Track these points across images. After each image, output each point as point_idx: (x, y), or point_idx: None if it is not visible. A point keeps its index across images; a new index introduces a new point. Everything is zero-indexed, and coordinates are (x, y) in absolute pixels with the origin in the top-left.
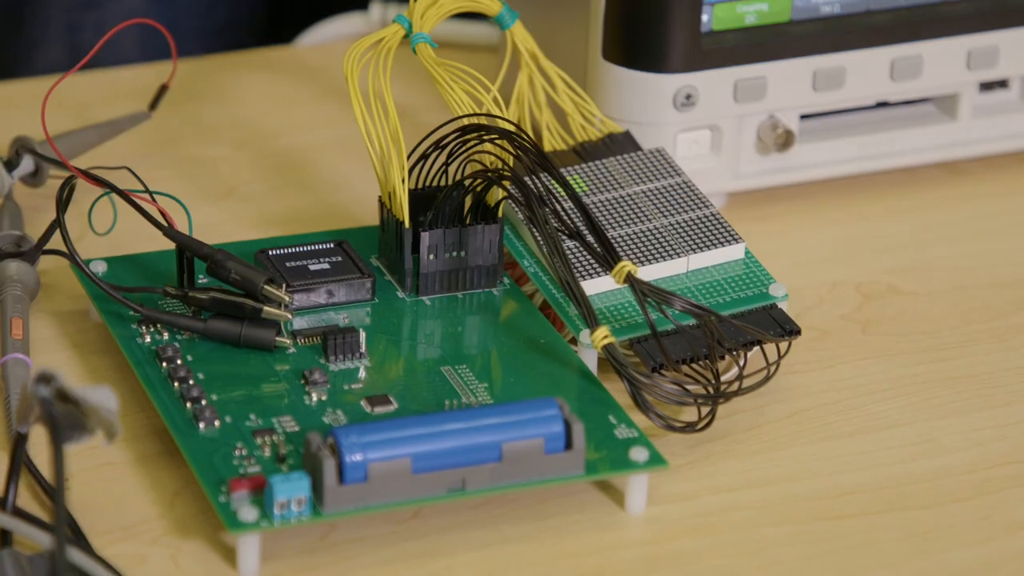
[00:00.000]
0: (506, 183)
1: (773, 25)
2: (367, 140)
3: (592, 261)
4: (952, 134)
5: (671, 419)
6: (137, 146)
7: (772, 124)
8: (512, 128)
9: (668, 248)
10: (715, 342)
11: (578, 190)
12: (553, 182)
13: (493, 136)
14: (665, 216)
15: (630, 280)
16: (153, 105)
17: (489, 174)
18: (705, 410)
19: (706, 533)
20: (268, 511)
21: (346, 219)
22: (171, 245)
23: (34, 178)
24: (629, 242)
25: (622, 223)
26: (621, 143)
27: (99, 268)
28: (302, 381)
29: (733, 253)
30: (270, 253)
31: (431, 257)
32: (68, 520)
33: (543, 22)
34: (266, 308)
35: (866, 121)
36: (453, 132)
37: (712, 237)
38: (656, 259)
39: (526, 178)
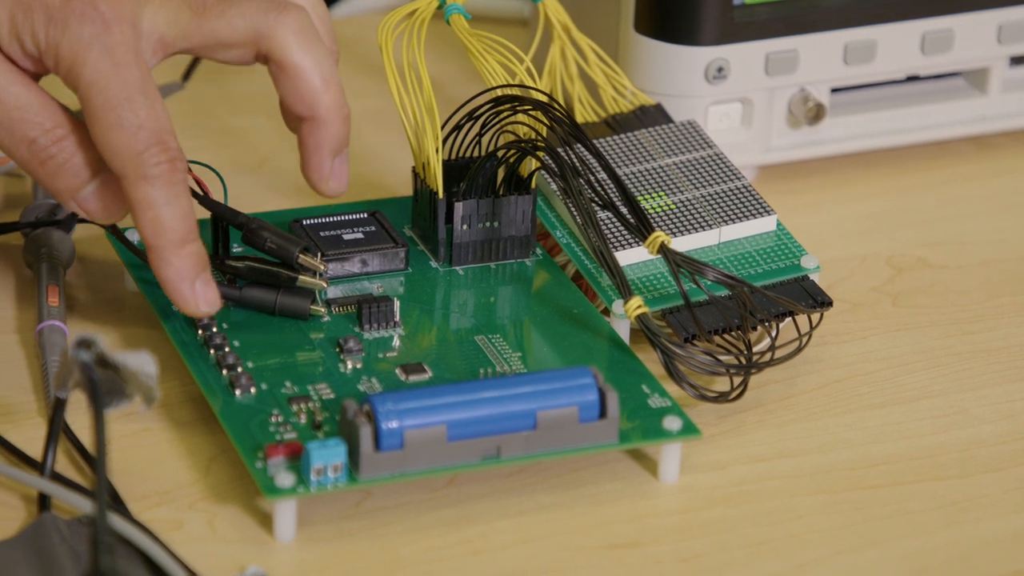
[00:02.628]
0: (540, 154)
1: None
2: (401, 111)
3: (625, 232)
4: (982, 108)
5: (704, 389)
6: (171, 116)
7: (803, 97)
8: (545, 99)
9: (700, 220)
10: (747, 313)
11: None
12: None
13: (527, 107)
14: (697, 188)
15: (663, 250)
16: (187, 76)
17: (522, 145)
18: (737, 380)
19: (739, 502)
20: (304, 477)
21: (379, 189)
22: (206, 214)
23: None
24: (660, 214)
25: (654, 195)
26: (653, 115)
27: (135, 236)
28: (337, 349)
29: (765, 225)
30: (304, 223)
31: (464, 227)
32: (107, 485)
33: None
34: (301, 277)
35: (897, 95)
36: (487, 103)
37: (744, 209)
38: (688, 231)
39: (560, 149)
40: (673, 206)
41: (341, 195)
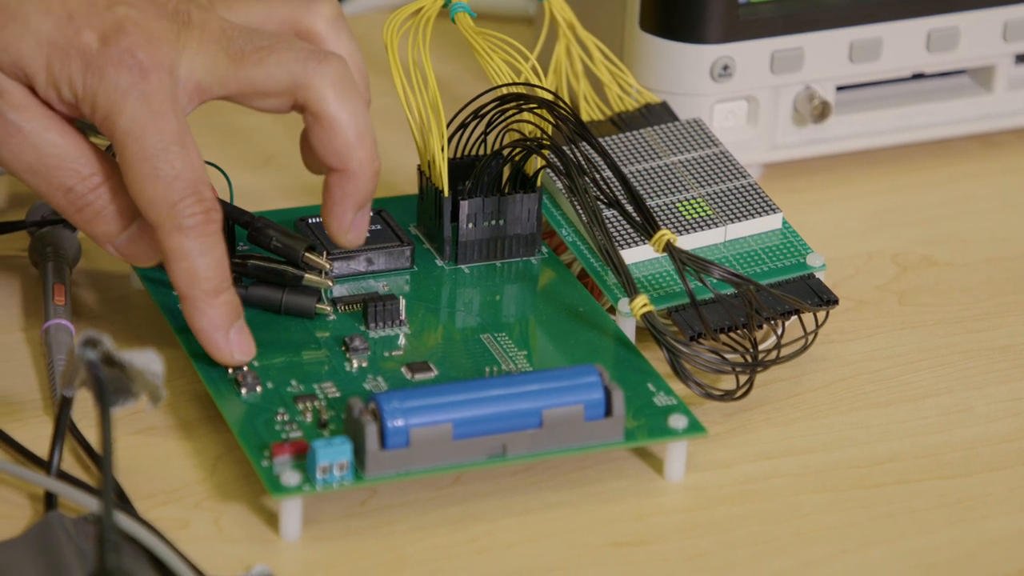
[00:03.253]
0: (545, 152)
1: None
2: (406, 109)
3: (630, 230)
4: (987, 106)
5: (709, 387)
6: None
7: (808, 95)
8: (551, 97)
9: (706, 218)
10: (753, 311)
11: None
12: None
13: (532, 105)
14: (702, 186)
15: (669, 249)
16: None
17: (528, 143)
18: (743, 378)
19: (744, 500)
20: (310, 475)
21: (385, 188)
22: None
23: None
24: (666, 212)
25: (659, 193)
26: (658, 113)
27: None
28: (343, 348)
29: (771, 223)
30: (310, 221)
31: (470, 226)
32: (113, 484)
33: None
34: (307, 275)
35: (902, 93)
36: (492, 101)
37: (750, 207)
38: (693, 229)
39: (565, 147)
40: (678, 204)
41: (357, 246)
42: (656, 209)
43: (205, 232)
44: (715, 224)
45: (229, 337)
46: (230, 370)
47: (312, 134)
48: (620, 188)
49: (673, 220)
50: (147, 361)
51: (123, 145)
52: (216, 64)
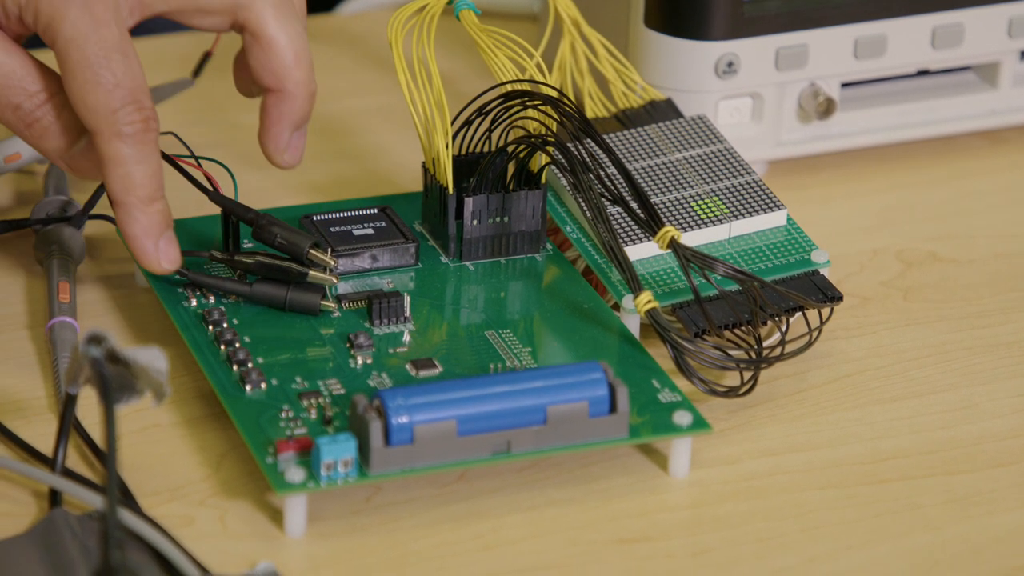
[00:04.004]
0: (549, 149)
1: None
2: (411, 106)
3: (635, 226)
4: (993, 102)
5: (714, 384)
6: (181, 112)
7: (813, 92)
8: (555, 94)
9: (710, 214)
10: (758, 307)
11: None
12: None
13: (536, 102)
14: (707, 183)
15: (673, 245)
16: (197, 72)
17: (532, 140)
18: (748, 375)
19: (749, 497)
20: (315, 472)
21: (389, 185)
22: (217, 210)
23: None
24: (671, 208)
25: (664, 189)
26: (663, 110)
27: None
28: (347, 345)
29: (775, 220)
30: (315, 218)
31: (474, 222)
32: (117, 481)
33: None
34: (312, 272)
35: (907, 89)
36: (496, 98)
37: (754, 203)
38: (698, 225)
39: (569, 144)
40: (683, 201)
41: (294, 167)
42: (660, 206)
43: (143, 140)
44: (720, 221)
45: (159, 245)
46: (235, 368)
47: (250, 55)
48: (624, 185)
49: (678, 217)
50: (151, 358)
51: (65, 53)
52: None
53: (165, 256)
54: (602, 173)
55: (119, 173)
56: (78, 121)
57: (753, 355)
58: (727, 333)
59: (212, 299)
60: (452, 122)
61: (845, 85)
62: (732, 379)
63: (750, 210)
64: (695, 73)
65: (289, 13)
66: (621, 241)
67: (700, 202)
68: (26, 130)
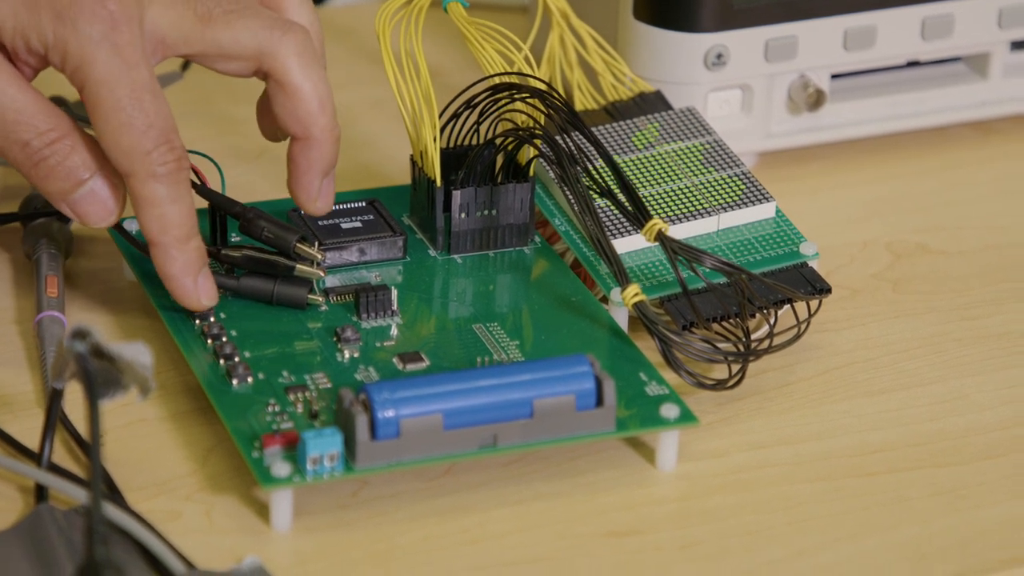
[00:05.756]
0: (537, 142)
1: None
2: (399, 99)
3: (623, 219)
4: (983, 93)
5: (701, 376)
6: (170, 105)
7: (803, 83)
8: (543, 87)
9: (698, 207)
10: (746, 300)
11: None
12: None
13: (524, 95)
14: (696, 175)
15: (661, 238)
16: (185, 66)
17: (520, 133)
18: (735, 368)
19: (737, 490)
20: (301, 467)
21: (377, 178)
22: (204, 203)
23: None
24: (659, 201)
25: (652, 182)
26: (652, 102)
27: (133, 226)
28: (334, 338)
29: (764, 212)
30: (302, 212)
31: (462, 215)
32: (103, 476)
33: None
34: (299, 266)
35: (897, 80)
36: (484, 91)
37: (743, 196)
38: (686, 218)
39: (557, 137)
40: (671, 193)
41: (327, 213)
42: (649, 198)
43: (177, 179)
44: (708, 213)
45: (197, 282)
46: (222, 362)
47: (275, 102)
48: (613, 177)
49: (666, 209)
50: (136, 353)
51: (96, 95)
52: (182, 22)
53: (204, 292)
54: (589, 166)
55: (155, 214)
56: (84, 165)
57: (741, 348)
58: (715, 326)
59: None
60: (440, 115)
61: (835, 76)
62: (720, 372)
63: (739, 202)
64: (684, 65)
65: (312, 59)
66: (609, 234)
67: (688, 194)
68: (32, 169)
